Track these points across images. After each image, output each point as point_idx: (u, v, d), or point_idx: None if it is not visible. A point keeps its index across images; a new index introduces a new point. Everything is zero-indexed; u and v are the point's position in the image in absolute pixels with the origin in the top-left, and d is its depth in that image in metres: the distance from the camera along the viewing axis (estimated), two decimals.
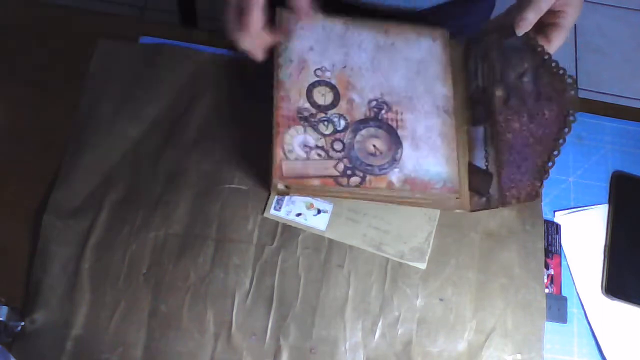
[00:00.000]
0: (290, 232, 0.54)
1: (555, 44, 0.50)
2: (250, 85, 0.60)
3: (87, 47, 0.60)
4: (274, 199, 0.55)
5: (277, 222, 0.54)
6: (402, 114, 0.53)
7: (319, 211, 0.55)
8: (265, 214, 0.54)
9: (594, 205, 0.60)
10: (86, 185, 0.54)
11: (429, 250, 0.55)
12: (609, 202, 0.60)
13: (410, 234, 0.55)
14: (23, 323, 0.49)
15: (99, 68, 0.59)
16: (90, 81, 0.59)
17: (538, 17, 0.48)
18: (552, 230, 0.58)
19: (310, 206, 0.55)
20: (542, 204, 0.58)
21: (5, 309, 0.46)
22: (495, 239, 0.56)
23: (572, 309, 0.55)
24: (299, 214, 0.55)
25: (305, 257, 0.53)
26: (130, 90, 0.58)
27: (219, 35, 0.63)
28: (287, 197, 0.55)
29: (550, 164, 0.48)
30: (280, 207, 0.55)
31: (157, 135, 0.57)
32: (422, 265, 0.54)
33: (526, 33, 0.49)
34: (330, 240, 0.54)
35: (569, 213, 0.59)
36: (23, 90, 0.58)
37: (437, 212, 0.56)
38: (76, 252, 0.51)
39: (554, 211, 0.59)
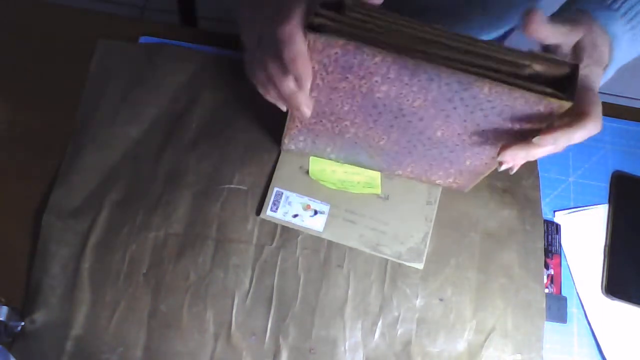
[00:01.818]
0: (289, 232, 0.54)
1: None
2: (249, 85, 0.60)
3: (87, 47, 0.60)
4: (270, 200, 0.55)
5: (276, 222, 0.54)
6: None
7: (315, 212, 0.55)
8: (262, 215, 0.54)
9: (594, 205, 0.60)
10: (86, 185, 0.54)
11: (426, 251, 0.55)
12: (609, 202, 0.60)
13: (407, 235, 0.55)
14: (23, 323, 0.49)
15: (99, 68, 0.59)
16: (90, 81, 0.59)
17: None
18: (552, 230, 0.58)
19: (306, 207, 0.55)
20: (542, 204, 0.59)
21: (5, 309, 0.47)
22: (495, 239, 0.56)
23: (572, 309, 0.55)
24: (295, 215, 0.54)
25: (304, 257, 0.53)
26: (130, 90, 0.58)
27: (219, 36, 0.63)
28: (283, 198, 0.55)
29: None
30: (276, 208, 0.54)
31: (157, 135, 0.57)
32: (420, 266, 0.54)
33: None
34: (330, 241, 0.54)
35: (569, 213, 0.59)
36: (23, 90, 0.58)
37: (434, 213, 0.56)
38: (76, 252, 0.52)
39: (554, 211, 0.59)
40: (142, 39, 0.62)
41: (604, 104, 0.64)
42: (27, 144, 0.56)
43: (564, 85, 0.38)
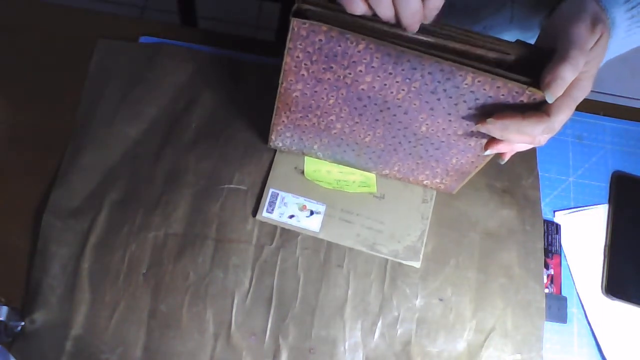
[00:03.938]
0: (289, 232, 0.54)
1: (560, 119, 0.39)
2: (249, 85, 0.60)
3: (87, 47, 0.60)
4: (266, 201, 0.55)
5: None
6: None
7: (311, 212, 0.55)
8: (258, 217, 0.54)
9: (594, 205, 0.60)
10: (86, 185, 0.54)
11: (423, 249, 0.55)
12: (609, 202, 0.60)
13: (403, 233, 0.55)
14: (23, 323, 0.49)
15: (99, 68, 0.59)
16: (90, 81, 0.59)
17: (575, 75, 0.37)
18: (552, 230, 0.58)
19: (302, 208, 0.55)
20: (542, 204, 0.58)
21: (5, 309, 0.47)
22: (495, 239, 0.56)
23: (572, 309, 0.55)
24: (291, 216, 0.54)
25: (304, 257, 0.53)
26: (130, 90, 0.58)
27: (219, 35, 0.63)
28: (279, 199, 0.55)
29: None
30: (272, 210, 0.54)
31: (157, 135, 0.57)
32: (417, 264, 0.54)
33: None
34: (329, 240, 0.54)
35: (569, 213, 0.59)
36: (23, 90, 0.58)
37: (430, 211, 0.56)
38: (76, 252, 0.52)
39: (554, 211, 0.59)
40: (142, 39, 0.62)
41: (605, 104, 0.65)
42: (27, 144, 0.56)
43: None
